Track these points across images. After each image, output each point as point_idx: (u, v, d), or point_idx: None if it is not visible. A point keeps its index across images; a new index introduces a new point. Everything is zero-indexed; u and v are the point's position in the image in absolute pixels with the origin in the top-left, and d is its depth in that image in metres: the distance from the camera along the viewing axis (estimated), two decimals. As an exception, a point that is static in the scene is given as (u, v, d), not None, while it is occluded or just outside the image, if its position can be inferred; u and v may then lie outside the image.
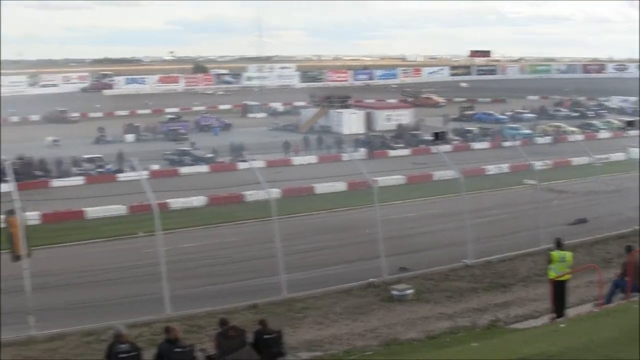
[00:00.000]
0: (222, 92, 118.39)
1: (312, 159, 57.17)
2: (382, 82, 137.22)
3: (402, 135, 66.27)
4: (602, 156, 46.36)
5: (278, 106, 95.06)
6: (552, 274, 18.29)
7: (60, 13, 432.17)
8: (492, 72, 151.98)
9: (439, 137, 31.11)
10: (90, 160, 53.36)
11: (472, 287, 23.36)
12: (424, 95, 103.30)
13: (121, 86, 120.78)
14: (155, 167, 51.08)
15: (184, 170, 52.18)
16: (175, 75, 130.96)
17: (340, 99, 79.56)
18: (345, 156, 51.23)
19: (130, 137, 70.95)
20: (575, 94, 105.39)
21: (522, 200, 35.00)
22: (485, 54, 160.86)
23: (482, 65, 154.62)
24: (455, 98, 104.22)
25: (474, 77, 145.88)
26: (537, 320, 19.32)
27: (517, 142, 54.75)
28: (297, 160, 56.56)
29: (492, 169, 49.15)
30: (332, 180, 43.43)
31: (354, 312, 20.92)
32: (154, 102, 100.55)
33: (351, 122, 73.80)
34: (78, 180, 48.85)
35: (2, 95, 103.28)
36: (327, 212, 37.07)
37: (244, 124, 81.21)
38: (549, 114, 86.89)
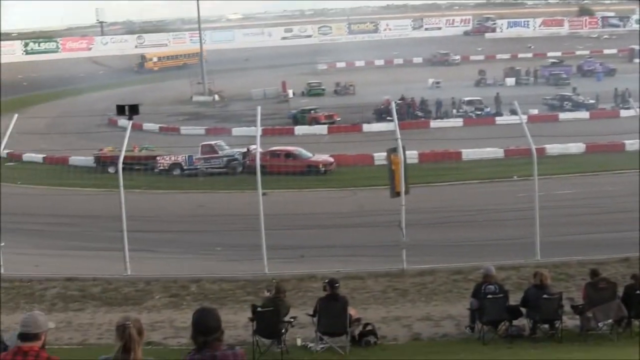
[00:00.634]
0: (607, 36, 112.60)
1: None
2: None
3: None
4: None
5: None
6: None
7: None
8: None
9: None
10: (469, 102, 54.25)
11: None
12: None
13: (503, 29, 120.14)
14: (534, 111, 50.55)
15: (563, 115, 50.99)
16: (559, 18, 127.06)
17: None
18: None
19: (510, 81, 70.71)
20: None
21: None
22: None
23: None
24: None
25: None
26: None
27: None
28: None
29: None
30: None
31: None
32: (536, 45, 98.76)
33: None
34: (457, 122, 50.04)
35: (387, 38, 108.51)
36: None
37: (630, 69, 76.54)
38: None
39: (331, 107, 56.29)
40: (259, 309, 14.11)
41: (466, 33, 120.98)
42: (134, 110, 22.66)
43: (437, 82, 68.79)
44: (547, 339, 14.56)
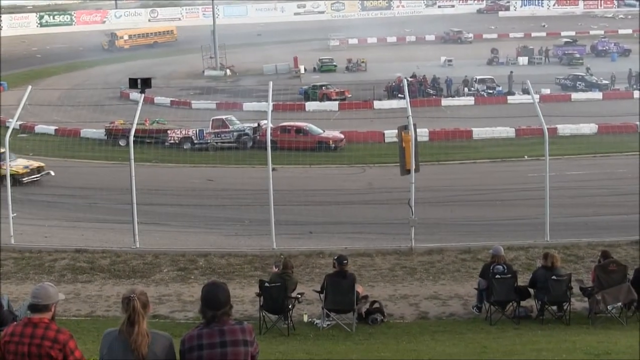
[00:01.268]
0: (622, 16, 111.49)
1: None
2: None
3: None
4: None
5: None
6: None
7: None
8: None
9: None
10: (481, 81, 54.00)
11: None
12: None
13: (517, 8, 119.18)
14: (547, 91, 50.26)
15: (576, 96, 50.66)
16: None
17: None
18: None
19: (522, 60, 70.30)
20: None
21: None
22: None
23: None
24: None
25: None
26: None
27: None
28: None
29: None
30: None
31: None
32: (549, 24, 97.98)
33: None
34: (468, 100, 49.81)
35: (400, 15, 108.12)
36: None
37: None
38: None
39: (342, 84, 56.10)
40: (266, 284, 14.13)
41: (479, 11, 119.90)
42: (146, 83, 22.57)
43: (450, 60, 68.42)
44: (555, 321, 14.57)
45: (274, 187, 19.84)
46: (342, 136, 37.77)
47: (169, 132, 38.62)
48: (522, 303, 14.83)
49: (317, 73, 68.55)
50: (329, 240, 21.09)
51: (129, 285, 16.64)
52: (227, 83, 64.69)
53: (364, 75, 64.19)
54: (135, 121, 20.73)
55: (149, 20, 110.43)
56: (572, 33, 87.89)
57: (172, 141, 38.12)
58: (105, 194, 28.33)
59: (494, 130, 37.98)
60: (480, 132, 37.92)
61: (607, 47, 74.70)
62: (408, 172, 20.11)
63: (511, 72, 55.29)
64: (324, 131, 37.82)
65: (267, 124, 21.30)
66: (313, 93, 53.62)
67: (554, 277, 14.35)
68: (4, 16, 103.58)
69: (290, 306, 14.15)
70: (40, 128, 42.22)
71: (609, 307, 14.36)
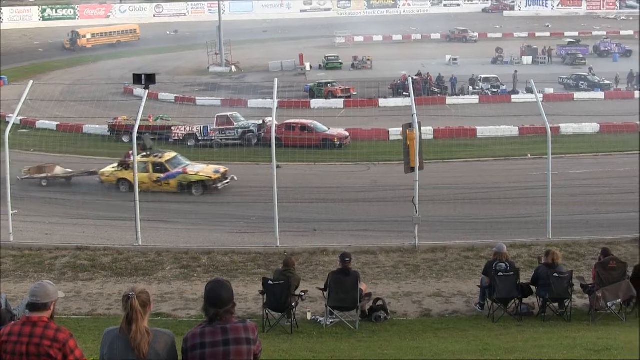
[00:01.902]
0: (624, 17, 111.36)
1: None
2: None
3: None
4: None
5: None
6: None
7: None
8: None
9: None
10: (486, 80, 54.02)
11: None
12: None
13: (522, 7, 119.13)
14: (550, 90, 50.27)
15: (579, 95, 50.69)
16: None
17: None
18: None
19: (527, 59, 70.34)
20: None
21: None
22: None
23: None
24: None
25: None
26: None
27: None
28: None
29: None
30: None
31: None
32: (553, 24, 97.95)
33: None
34: (472, 99, 49.80)
35: (406, 13, 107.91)
36: None
37: (646, 51, 75.98)
38: None
39: (348, 81, 56.12)
40: (269, 282, 14.19)
41: (485, 10, 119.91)
42: (150, 79, 22.61)
43: (455, 59, 68.45)
44: (556, 318, 14.67)
45: (278, 184, 19.90)
46: (347, 134, 37.80)
47: (173, 128, 38.63)
48: (524, 300, 14.93)
49: (323, 70, 68.56)
50: (333, 237, 21.15)
51: (130, 283, 16.64)
52: (232, 79, 64.68)
53: (370, 73, 64.19)
54: (139, 117, 20.82)
55: (154, 16, 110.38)
56: (576, 33, 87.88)
57: (176, 138, 38.14)
58: (108, 191, 28.46)
59: (497, 129, 38.03)
60: (484, 131, 37.97)
61: (609, 48, 74.72)
62: (412, 170, 20.18)
63: (515, 71, 55.32)
64: (329, 129, 37.83)
65: (272, 121, 21.34)
66: (318, 90, 53.62)
67: (555, 274, 14.45)
68: (5, 9, 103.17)
69: (293, 304, 14.20)
70: (41, 123, 42.25)
71: (609, 304, 14.45)
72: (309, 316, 15.00)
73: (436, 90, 53.05)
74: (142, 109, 20.90)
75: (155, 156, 29.24)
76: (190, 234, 22.31)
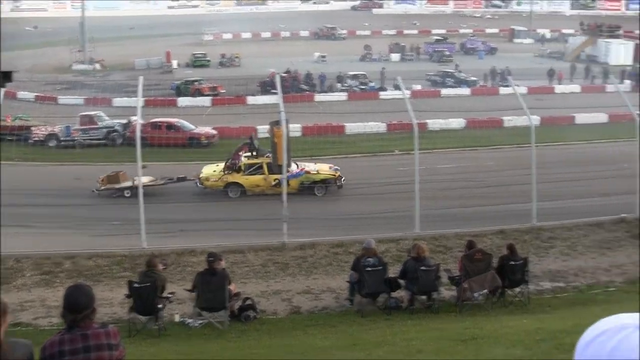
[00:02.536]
0: (489, 16, 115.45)
1: (575, 88, 54.65)
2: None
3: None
4: None
5: (546, 33, 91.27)
6: None
7: None
8: None
9: None
10: (354, 77, 54.59)
11: None
12: None
13: (390, 5, 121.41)
14: (417, 87, 51.26)
15: (445, 91, 51.94)
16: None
17: (610, 29, 74.87)
18: (609, 87, 48.09)
19: (395, 56, 71.67)
20: None
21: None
22: None
23: None
24: None
25: None
26: None
27: None
28: (560, 88, 54.29)
29: None
30: (594, 111, 41.37)
31: (602, 247, 19.98)
32: (421, 22, 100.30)
33: (619, 53, 69.55)
34: (341, 96, 50.19)
35: (275, 10, 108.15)
36: (585, 144, 35.44)
37: (510, 49, 79.13)
38: None
39: (216, 79, 55.46)
40: (135, 285, 13.75)
41: (354, 8, 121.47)
42: (6, 77, 21.50)
43: (323, 56, 68.94)
44: (425, 310, 14.85)
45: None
46: (215, 132, 37.31)
47: (32, 129, 36.94)
48: (393, 294, 15.03)
49: (190, 68, 67.62)
50: (201, 237, 20.73)
51: (-13, 293, 15.80)
52: (96, 78, 62.84)
53: (238, 71, 63.78)
54: (-5, 117, 19.83)
55: (12, 10, 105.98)
56: (443, 31, 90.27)
57: (36, 138, 36.53)
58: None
59: (366, 125, 38.35)
60: (352, 127, 38.26)
61: (475, 46, 77.10)
62: (280, 167, 20.07)
63: (383, 68, 56.18)
64: (196, 127, 37.26)
65: (137, 120, 20.78)
66: (185, 88, 52.79)
67: (423, 267, 14.61)
68: None
69: (160, 306, 13.81)
70: None
71: (476, 295, 14.76)
72: (177, 318, 14.64)
73: (305, 87, 53.21)
74: (-2, 108, 19.91)
75: (267, 156, 26.08)
76: (52, 239, 21.30)
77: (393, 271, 15.42)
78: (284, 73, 51.77)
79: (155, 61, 68.78)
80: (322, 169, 27.67)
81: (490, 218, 22.10)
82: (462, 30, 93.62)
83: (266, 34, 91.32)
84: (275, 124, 20.65)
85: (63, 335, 5.46)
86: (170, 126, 36.22)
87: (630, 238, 20.74)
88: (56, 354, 5.40)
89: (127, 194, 26.26)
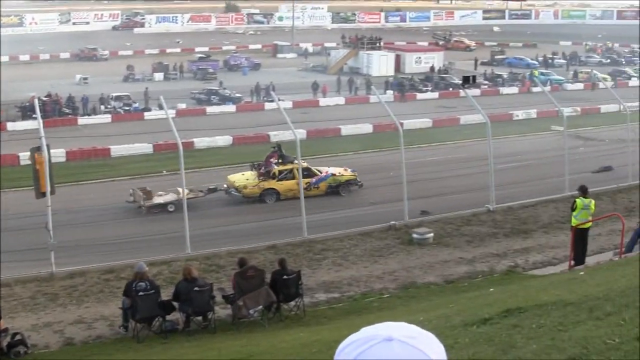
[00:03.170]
0: (252, 32, 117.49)
1: (339, 100, 56.63)
2: (414, 24, 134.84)
3: (431, 78, 65.57)
4: (633, 104, 45.70)
5: (308, 47, 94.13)
6: (575, 221, 18.21)
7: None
8: (525, 16, 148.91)
9: (468, 80, 30.58)
10: (117, 98, 53.43)
11: (493, 232, 23.30)
12: (455, 39, 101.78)
13: (152, 24, 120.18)
14: (183, 106, 51.11)
15: (211, 109, 52.11)
16: (206, 14, 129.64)
17: (371, 41, 78.60)
18: (373, 98, 50.52)
19: (158, 76, 70.84)
20: (608, 40, 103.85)
21: (548, 147, 34.66)
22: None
23: (515, 10, 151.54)
24: (487, 42, 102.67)
25: (507, 21, 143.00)
26: (556, 268, 19.35)
27: (547, 88, 53.89)
28: (325, 101, 56.10)
29: (520, 114, 48.49)
30: (358, 122, 43.25)
31: (374, 255, 20.96)
32: (184, 40, 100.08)
33: (381, 64, 73.12)
34: (105, 118, 48.96)
35: (33, 32, 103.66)
36: (352, 154, 36.89)
37: (274, 64, 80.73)
38: (580, 60, 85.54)
39: (-30, 105, 52.28)
40: None
41: (115, 28, 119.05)
42: None
43: (85, 78, 66.85)
44: (201, 331, 14.86)
45: None
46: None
47: None
48: (168, 317, 14.92)
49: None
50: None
51: None
52: None
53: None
54: None
55: None
56: (206, 49, 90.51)
57: None
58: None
59: (132, 147, 37.54)
60: (118, 150, 37.32)
61: (239, 62, 77.98)
62: (43, 195, 19.37)
63: (147, 88, 55.36)
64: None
65: None
66: None
67: (196, 288, 14.63)
68: None
69: None
70: None
71: (251, 311, 14.96)
72: None
73: (67, 111, 51.33)
74: None
75: (295, 162, 26.75)
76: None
77: (167, 294, 15.30)
78: (45, 97, 49.75)
79: None
80: (339, 171, 29.92)
81: (262, 233, 22.54)
82: (225, 47, 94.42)
83: (25, 57, 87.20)
84: (37, 150, 19.88)
85: None
86: None
87: (400, 244, 21.95)
88: None
89: (170, 208, 26.33)
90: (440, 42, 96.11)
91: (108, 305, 16.64)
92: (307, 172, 28.17)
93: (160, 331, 14.72)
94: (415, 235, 22.18)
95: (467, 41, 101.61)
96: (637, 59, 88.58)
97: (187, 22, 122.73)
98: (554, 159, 32.31)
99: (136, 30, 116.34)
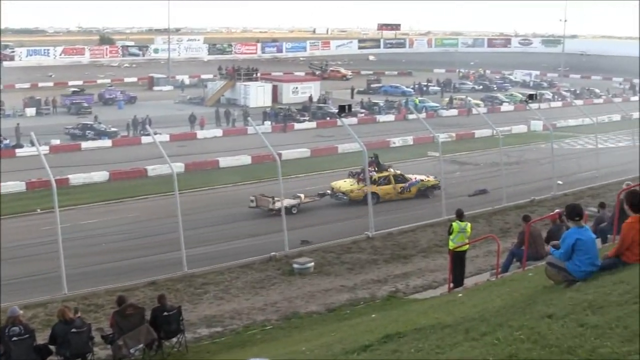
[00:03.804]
0: (127, 65, 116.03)
1: (217, 132, 56.54)
2: (290, 54, 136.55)
3: (308, 108, 66.32)
4: (505, 128, 47.65)
5: (185, 79, 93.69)
6: (452, 245, 18.70)
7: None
8: (400, 45, 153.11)
9: (344, 110, 31.08)
10: (-8, 135, 51.54)
11: (373, 259, 23.72)
12: (332, 68, 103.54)
13: (22, 58, 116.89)
14: (56, 141, 49.72)
15: (86, 144, 50.90)
16: (80, 46, 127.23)
17: (247, 72, 78.94)
18: (250, 129, 50.61)
19: (30, 111, 68.74)
20: (480, 67, 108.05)
21: (425, 172, 35.58)
22: (395, 27, 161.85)
23: (390, 39, 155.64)
24: (363, 71, 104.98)
25: (382, 50, 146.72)
26: (436, 291, 19.87)
27: (422, 115, 55.47)
28: (203, 133, 55.86)
29: (397, 141, 49.68)
30: (237, 153, 43.33)
31: (255, 287, 20.97)
32: (57, 74, 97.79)
33: (258, 95, 73.52)
34: (-26, 156, 47.13)
35: None
36: (231, 186, 36.84)
37: (150, 97, 79.85)
38: (454, 86, 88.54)
39: None
40: None
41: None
42: None
43: None
44: (81, 374, 14.40)
45: None
46: None
47: None
48: (46, 362, 14.42)
49: None
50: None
51: None
52: None
53: None
54: None
55: None
56: (80, 82, 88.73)
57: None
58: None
59: (4, 185, 36.23)
60: (-14, 189, 35.91)
61: (114, 95, 76.70)
62: None
63: (18, 124, 53.66)
64: None
65: None
66: None
67: (73, 329, 14.19)
68: None
69: None
70: None
71: (132, 351, 14.65)
72: None
73: None
74: None
75: (388, 170, 33.99)
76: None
77: (43, 337, 14.79)
78: None
79: None
80: (427, 178, 34.43)
81: (141, 270, 22.18)
82: (100, 80, 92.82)
83: None
84: None
85: None
86: None
87: (282, 275, 22.04)
88: None
89: (294, 211, 30.07)
90: (317, 72, 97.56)
91: (-21, 353, 15.93)
92: (401, 178, 33.89)
93: (36, 377, 14.18)
94: (295, 265, 22.34)
95: (343, 70, 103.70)
96: (508, 84, 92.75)
97: (60, 55, 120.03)
98: (431, 184, 33.45)
99: (6, 63, 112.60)
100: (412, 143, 49.37)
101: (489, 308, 9.16)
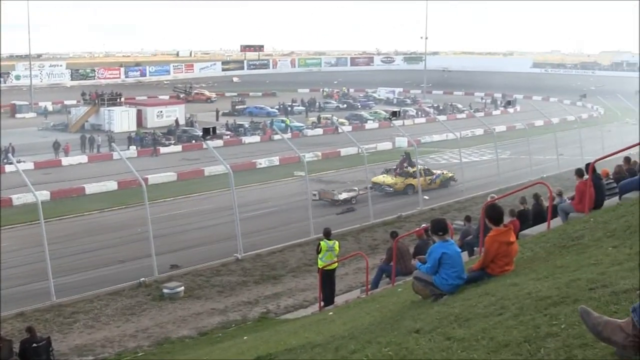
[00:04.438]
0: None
1: (82, 158, 55.46)
2: (154, 78, 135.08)
3: (173, 131, 66.11)
4: (370, 146, 49.17)
5: (48, 105, 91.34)
6: (321, 263, 19.10)
7: None
8: (264, 66, 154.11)
9: (209, 132, 31.45)
10: None
11: (243, 280, 24.20)
12: (196, 91, 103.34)
13: None
14: None
15: None
16: None
17: (111, 97, 77.82)
18: (115, 155, 50.03)
19: None
20: (343, 85, 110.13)
21: (292, 192, 36.40)
22: (258, 48, 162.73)
23: (254, 60, 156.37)
24: (228, 93, 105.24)
25: (246, 71, 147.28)
26: (307, 310, 20.39)
27: (288, 135, 56.40)
28: (68, 160, 54.71)
29: (263, 162, 50.20)
30: (102, 179, 42.90)
31: (125, 313, 21.07)
32: None
33: (122, 120, 72.63)
34: None
35: None
36: (98, 212, 36.37)
37: (13, 124, 77.08)
38: (319, 106, 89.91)
39: None
40: None
41: None
42: None
43: None
44: None
45: None
46: None
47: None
48: None
49: None
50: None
51: None
52: None
53: None
54: None
55: None
56: None
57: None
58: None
59: None
60: None
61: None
62: None
63: None
64: None
65: None
66: None
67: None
68: None
69: None
70: None
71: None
72: None
73: None
74: None
75: (417, 166, 39.34)
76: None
77: None
78: None
79: None
80: (445, 172, 42.11)
81: (8, 301, 21.78)
82: None
83: None
84: None
85: None
86: None
87: (152, 301, 22.16)
88: None
89: (353, 201, 36.56)
90: (181, 95, 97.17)
91: None
92: (428, 172, 40.76)
93: None
94: (165, 290, 22.58)
95: (207, 93, 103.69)
96: (372, 102, 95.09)
97: None
98: (297, 203, 34.18)
99: None
100: (278, 163, 50.05)
101: (359, 325, 9.32)
